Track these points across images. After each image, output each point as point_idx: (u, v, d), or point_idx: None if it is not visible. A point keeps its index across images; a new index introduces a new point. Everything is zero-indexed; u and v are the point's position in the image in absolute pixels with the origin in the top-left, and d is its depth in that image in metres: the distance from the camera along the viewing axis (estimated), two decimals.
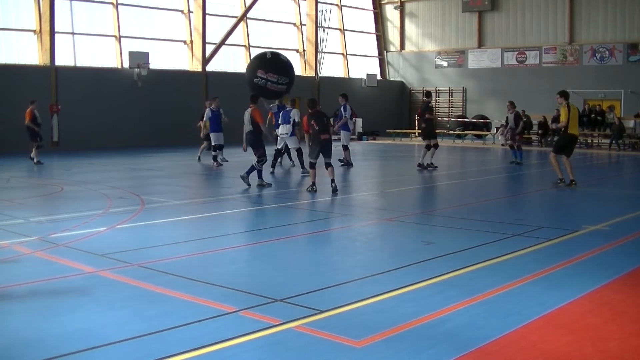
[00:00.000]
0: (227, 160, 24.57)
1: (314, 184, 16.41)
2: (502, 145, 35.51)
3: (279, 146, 22.10)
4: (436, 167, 22.98)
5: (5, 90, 28.73)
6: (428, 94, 25.91)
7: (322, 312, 6.99)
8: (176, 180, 20.39)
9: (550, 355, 5.93)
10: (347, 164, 23.70)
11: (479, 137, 40.78)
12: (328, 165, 16.49)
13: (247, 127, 17.60)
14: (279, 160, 22.69)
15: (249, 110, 17.75)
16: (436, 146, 23.13)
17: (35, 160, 23.68)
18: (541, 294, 7.68)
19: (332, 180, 16.33)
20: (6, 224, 12.36)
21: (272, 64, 22.54)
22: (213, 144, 23.90)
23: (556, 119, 36.36)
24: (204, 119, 24.70)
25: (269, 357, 5.88)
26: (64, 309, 7.25)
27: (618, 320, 6.91)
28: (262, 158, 17.30)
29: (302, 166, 21.05)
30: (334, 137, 22.71)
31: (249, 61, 24.79)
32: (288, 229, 12.40)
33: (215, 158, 23.68)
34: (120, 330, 6.51)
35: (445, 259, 9.54)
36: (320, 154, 16.43)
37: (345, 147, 24.27)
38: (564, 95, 17.45)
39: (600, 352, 6.04)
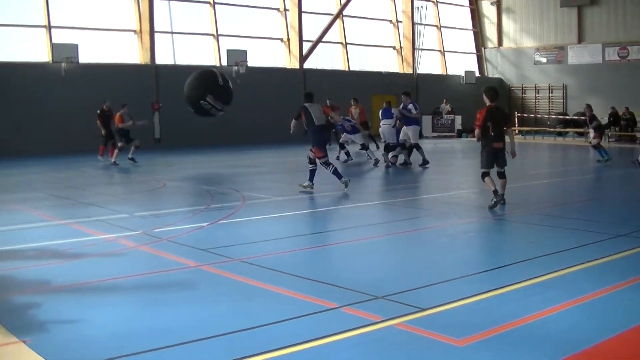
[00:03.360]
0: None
1: (496, 192, 13.59)
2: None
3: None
4: None
5: (109, 88, 29.38)
6: None
7: (423, 310, 6.93)
8: (277, 176, 20.54)
9: None
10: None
11: (580, 134, 39.92)
12: (501, 175, 13.87)
13: (320, 121, 16.27)
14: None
15: (318, 105, 16.62)
16: None
17: (113, 161, 23.78)
18: None
19: (502, 195, 13.66)
20: (112, 218, 12.65)
21: (223, 92, 21.87)
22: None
23: None
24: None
25: (369, 354, 5.86)
26: (168, 301, 7.36)
27: None
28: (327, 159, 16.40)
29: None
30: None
31: (195, 78, 23.41)
32: (389, 226, 12.36)
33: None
34: (221, 324, 6.58)
35: (546, 258, 9.35)
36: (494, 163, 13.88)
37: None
38: None
39: None
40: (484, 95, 13.73)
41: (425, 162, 22.33)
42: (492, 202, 13.42)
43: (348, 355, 5.85)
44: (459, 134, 41.10)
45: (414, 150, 22.48)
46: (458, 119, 41.82)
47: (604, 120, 36.83)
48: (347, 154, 23.98)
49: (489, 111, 13.54)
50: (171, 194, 16.64)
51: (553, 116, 44.85)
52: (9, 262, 9.30)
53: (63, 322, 6.70)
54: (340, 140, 24.02)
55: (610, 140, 35.65)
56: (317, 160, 16.26)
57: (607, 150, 24.95)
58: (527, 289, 7.81)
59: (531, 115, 46.21)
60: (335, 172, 16.26)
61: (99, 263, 9.34)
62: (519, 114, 44.84)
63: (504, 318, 6.69)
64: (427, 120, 41.80)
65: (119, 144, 24.07)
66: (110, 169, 22.80)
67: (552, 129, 42.07)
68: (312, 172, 16.28)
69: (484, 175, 13.75)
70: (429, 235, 11.56)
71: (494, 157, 13.68)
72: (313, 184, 16.16)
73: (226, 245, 10.29)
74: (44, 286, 8.07)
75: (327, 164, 16.23)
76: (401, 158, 22.56)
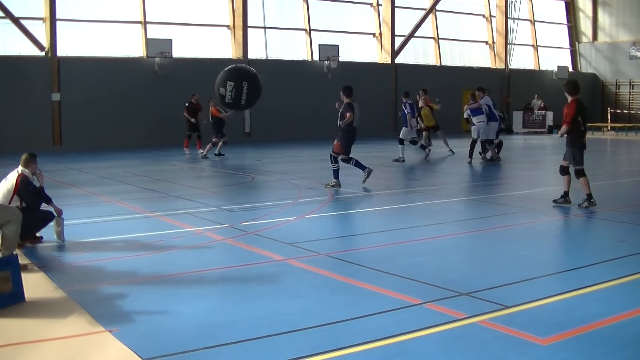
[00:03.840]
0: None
1: (590, 195, 13.02)
2: None
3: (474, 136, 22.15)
4: None
5: (202, 82, 29.75)
6: None
7: (507, 307, 6.86)
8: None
9: None
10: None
11: None
12: (580, 173, 13.22)
13: (357, 122, 16.43)
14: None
15: (357, 105, 16.57)
16: None
17: (203, 153, 24.30)
18: None
19: (589, 196, 13.03)
20: (200, 211, 12.82)
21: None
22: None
23: None
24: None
25: (452, 351, 5.82)
26: (253, 294, 7.43)
27: None
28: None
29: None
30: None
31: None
32: (475, 222, 12.25)
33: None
34: (306, 318, 6.61)
35: (636, 257, 9.16)
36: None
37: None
38: None
39: None
40: (564, 90, 13.22)
41: (491, 159, 22.29)
42: (585, 205, 13.03)
43: (431, 351, 5.83)
44: (550, 130, 40.45)
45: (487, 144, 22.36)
46: (549, 115, 41.18)
47: None
48: (422, 147, 23.81)
49: (578, 104, 12.98)
50: (259, 187, 16.79)
51: None
52: (99, 253, 9.52)
53: (149, 313, 6.83)
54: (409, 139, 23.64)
55: None
56: (334, 155, 16.13)
57: None
58: (616, 288, 7.67)
59: (625, 111, 45.16)
60: (357, 164, 16.16)
61: (186, 255, 9.49)
62: (611, 110, 43.89)
63: (590, 317, 6.59)
64: (517, 116, 41.44)
65: (213, 139, 24.43)
66: (199, 162, 23.13)
67: None
68: (336, 172, 16.06)
69: (581, 173, 13.20)
70: (516, 233, 11.41)
71: (582, 155, 13.22)
72: (339, 182, 15.99)
73: (312, 239, 10.33)
74: (132, 277, 8.25)
75: (347, 160, 16.11)
76: (488, 154, 22.35)
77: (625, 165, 24.47)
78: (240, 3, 33.37)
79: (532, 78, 44.83)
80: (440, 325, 6.36)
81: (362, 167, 16.16)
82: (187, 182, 17.35)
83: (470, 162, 21.84)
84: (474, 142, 22.39)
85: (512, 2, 43.80)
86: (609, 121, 43.01)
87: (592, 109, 46.25)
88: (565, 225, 12.26)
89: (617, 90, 47.70)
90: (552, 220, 12.43)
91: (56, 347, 5.90)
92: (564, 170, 13.39)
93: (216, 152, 24.51)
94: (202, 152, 24.26)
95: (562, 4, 49.62)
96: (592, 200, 13.03)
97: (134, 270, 8.57)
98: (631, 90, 46.77)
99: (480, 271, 8.57)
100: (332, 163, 16.10)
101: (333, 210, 13.15)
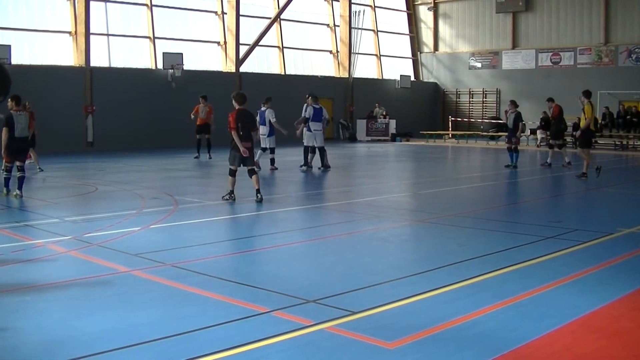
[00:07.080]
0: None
1: (232, 192, 15.16)
2: (538, 146, 35.37)
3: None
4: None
5: (42, 90, 28.95)
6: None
7: (354, 313, 6.98)
8: (210, 180, 20.44)
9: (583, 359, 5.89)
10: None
11: None
12: (252, 172, 15.20)
13: (22, 132, 15.85)
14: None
15: (25, 115, 16.09)
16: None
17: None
18: (575, 298, 7.62)
19: (258, 190, 15.06)
20: (41, 223, 12.48)
21: None
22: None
23: None
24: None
25: (300, 358, 5.89)
26: (97, 307, 7.30)
27: None
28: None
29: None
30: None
31: None
32: (320, 230, 12.39)
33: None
34: (153, 329, 6.55)
35: (478, 261, 9.49)
36: (241, 162, 15.16)
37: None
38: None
39: (634, 356, 6.00)
40: (233, 100, 15.12)
41: (308, 165, 22.66)
42: (226, 197, 15.17)
43: (280, 358, 5.88)
44: (393, 138, 41.35)
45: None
46: (392, 123, 42.08)
47: (536, 124, 37.45)
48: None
49: (239, 113, 14.96)
50: (103, 198, 16.44)
51: (486, 120, 45.41)
52: None
53: None
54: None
55: (541, 144, 36.19)
56: (6, 164, 15.92)
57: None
58: (459, 291, 7.93)
59: (464, 119, 46.66)
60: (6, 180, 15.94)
61: (27, 269, 9.22)
62: (452, 118, 45.24)
63: (435, 320, 6.79)
64: (361, 124, 42.14)
65: None
66: (39, 172, 22.43)
67: (485, 133, 42.59)
68: (14, 179, 15.87)
69: (232, 173, 15.23)
70: (361, 239, 11.61)
71: (242, 157, 14.94)
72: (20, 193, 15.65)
73: (157, 250, 10.23)
74: None
75: (9, 170, 15.91)
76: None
77: (465, 171, 25.23)
78: (82, 9, 32.57)
79: (375, 87, 45.66)
80: (288, 333, 6.41)
81: (20, 186, 15.79)
82: (28, 193, 16.81)
83: (321, 169, 22.05)
84: (306, 150, 22.54)
85: (356, 12, 44.52)
86: (450, 129, 44.27)
87: (433, 117, 47.70)
88: (409, 231, 12.56)
89: (458, 99, 49.25)
90: (395, 226, 12.72)
91: None
92: (230, 172, 15.25)
93: None
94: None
95: (405, 15, 50.80)
96: (232, 195, 15.17)
97: None
98: (470, 99, 48.40)
99: (326, 278, 8.68)
100: (5, 172, 15.97)
101: (178, 219, 13.03)
